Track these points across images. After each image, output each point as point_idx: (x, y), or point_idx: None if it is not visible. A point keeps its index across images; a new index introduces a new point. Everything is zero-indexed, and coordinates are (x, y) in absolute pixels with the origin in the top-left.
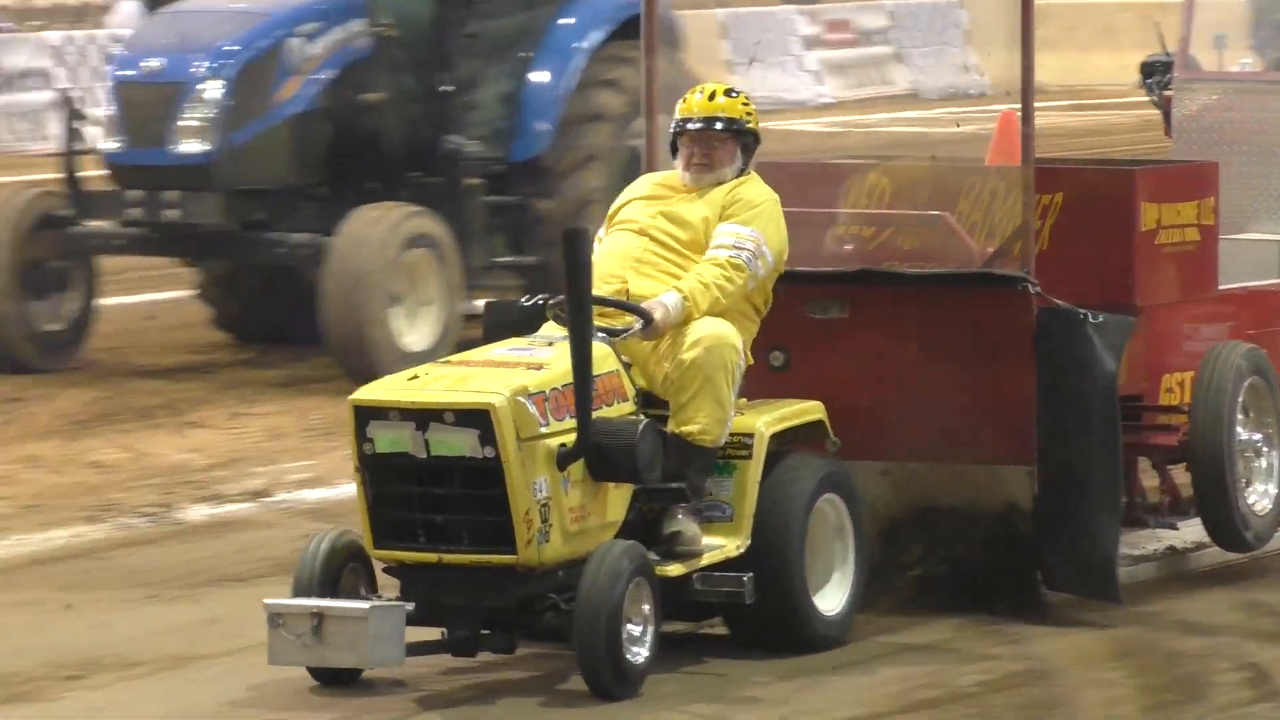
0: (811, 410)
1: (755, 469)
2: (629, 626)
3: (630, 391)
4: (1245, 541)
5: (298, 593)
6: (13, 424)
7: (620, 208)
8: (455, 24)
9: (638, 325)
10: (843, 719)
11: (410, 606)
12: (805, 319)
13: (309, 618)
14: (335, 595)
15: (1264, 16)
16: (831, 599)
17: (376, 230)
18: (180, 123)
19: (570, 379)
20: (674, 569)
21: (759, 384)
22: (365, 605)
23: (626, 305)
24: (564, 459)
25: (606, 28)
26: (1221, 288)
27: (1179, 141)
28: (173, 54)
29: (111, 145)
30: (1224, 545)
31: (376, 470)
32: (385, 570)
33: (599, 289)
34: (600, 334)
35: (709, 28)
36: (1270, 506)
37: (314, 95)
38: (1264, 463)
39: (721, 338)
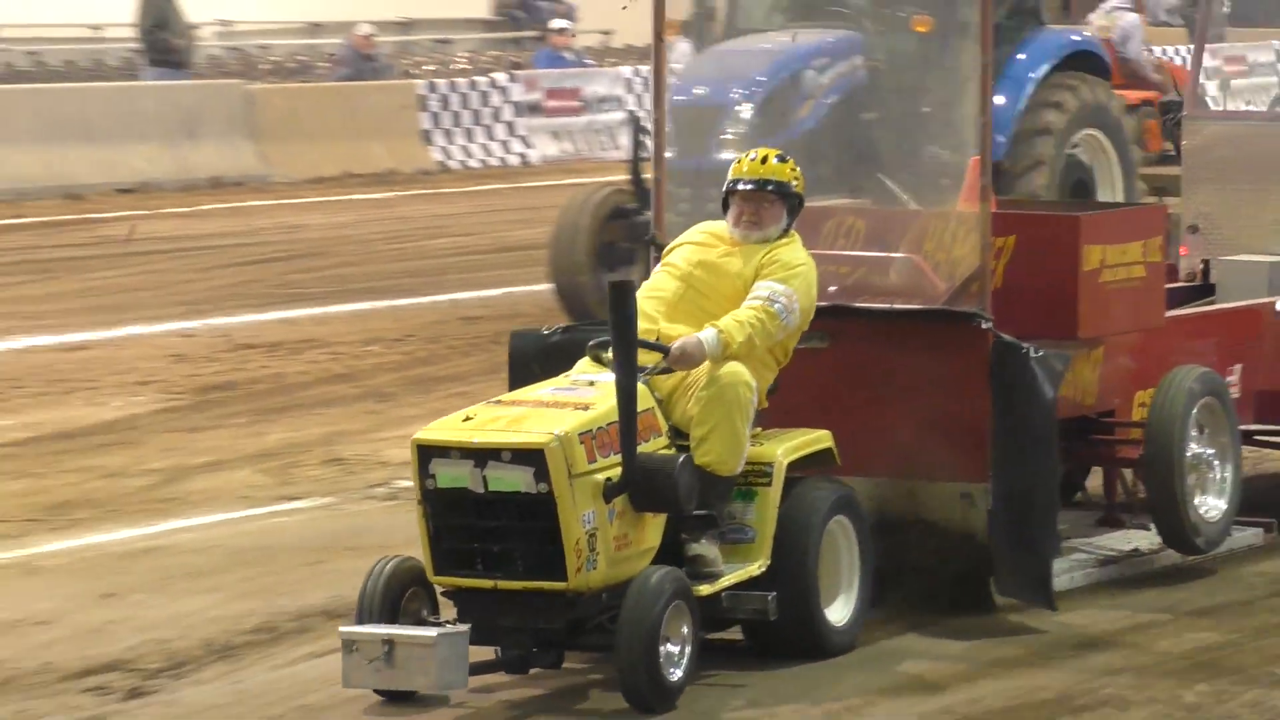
0: (822, 439)
1: (775, 495)
2: (668, 646)
3: (664, 427)
4: (1196, 546)
5: (360, 616)
6: None
7: (673, 249)
8: (933, 59)
9: (662, 361)
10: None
11: (469, 630)
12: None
13: (381, 644)
14: (396, 618)
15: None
16: (841, 610)
17: None
18: (721, 137)
19: (613, 418)
20: (704, 589)
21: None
22: (433, 633)
23: (646, 344)
24: (610, 492)
25: (1052, 61)
26: (1180, 313)
27: (1187, 171)
28: (715, 83)
29: (668, 154)
30: (1177, 549)
31: (437, 503)
32: (444, 594)
33: None
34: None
35: None
36: (1221, 515)
37: (823, 115)
38: (1217, 475)
39: (736, 376)
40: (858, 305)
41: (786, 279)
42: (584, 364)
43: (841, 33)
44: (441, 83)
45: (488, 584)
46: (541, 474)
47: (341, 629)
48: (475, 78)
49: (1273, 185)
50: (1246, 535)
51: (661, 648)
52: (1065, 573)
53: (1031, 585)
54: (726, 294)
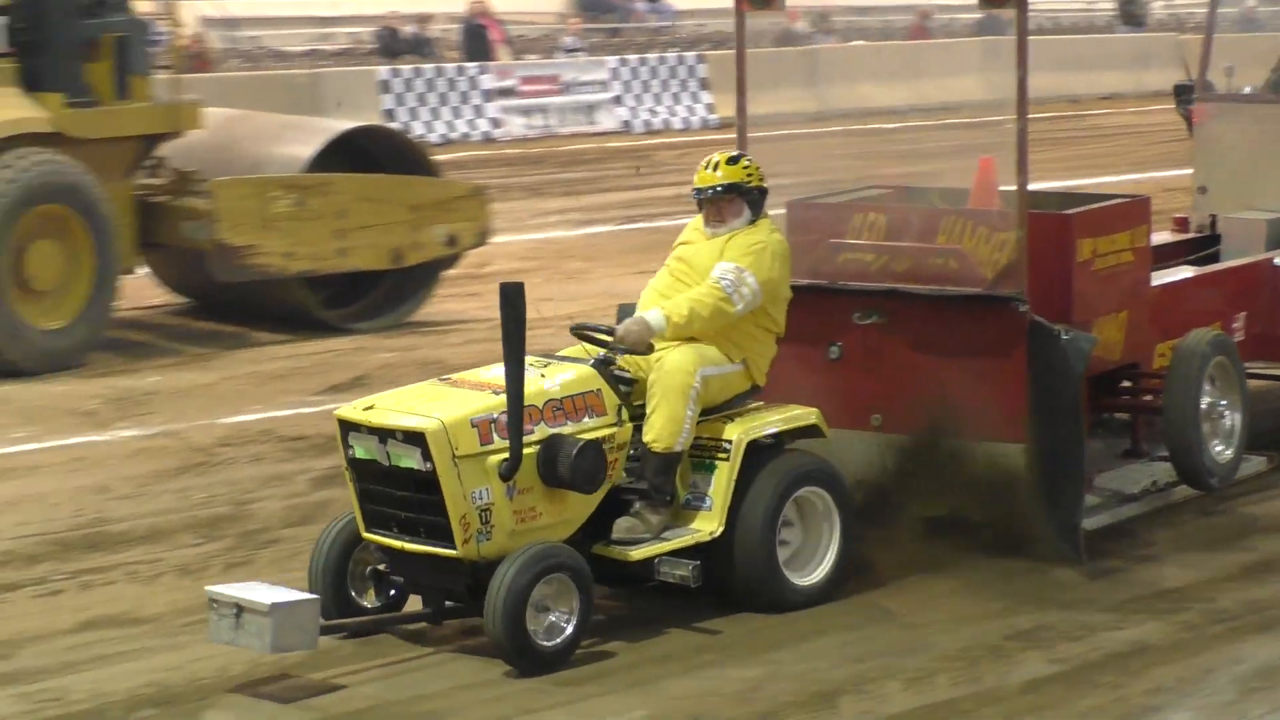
0: (808, 416)
1: (732, 468)
2: (552, 617)
3: (610, 405)
4: (1210, 485)
5: (310, 574)
6: None
7: (676, 245)
8: None
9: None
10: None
11: (318, 598)
12: (853, 323)
13: (232, 606)
14: (346, 575)
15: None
16: (817, 571)
17: None
18: None
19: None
20: (635, 554)
21: (821, 372)
22: (268, 601)
23: (592, 327)
24: (507, 471)
25: None
26: (1195, 271)
27: (1198, 143)
28: None
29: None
30: (1193, 486)
31: (358, 471)
32: (376, 551)
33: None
34: (594, 358)
35: None
36: (1230, 456)
37: None
38: (1227, 423)
39: (679, 364)
40: (907, 288)
41: (738, 258)
42: (571, 348)
43: None
44: None
45: (398, 545)
46: (426, 454)
47: (207, 588)
48: None
49: (1267, 154)
50: (1253, 463)
51: (547, 616)
52: (1092, 514)
53: (1062, 537)
54: (700, 280)
